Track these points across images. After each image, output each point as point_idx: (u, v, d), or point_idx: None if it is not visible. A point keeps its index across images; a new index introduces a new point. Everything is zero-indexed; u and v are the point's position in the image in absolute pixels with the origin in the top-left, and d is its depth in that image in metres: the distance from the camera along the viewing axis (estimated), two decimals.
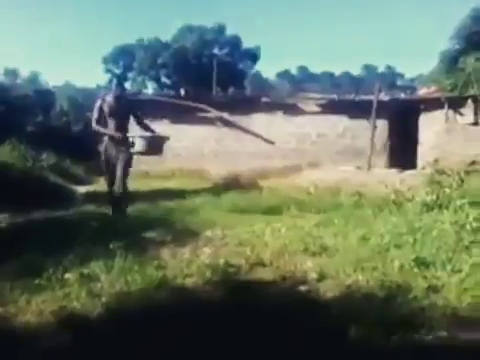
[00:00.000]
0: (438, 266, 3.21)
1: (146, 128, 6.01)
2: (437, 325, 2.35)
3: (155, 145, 5.75)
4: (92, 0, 75.62)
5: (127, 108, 5.95)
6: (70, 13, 78.08)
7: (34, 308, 2.70)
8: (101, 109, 5.74)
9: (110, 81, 40.46)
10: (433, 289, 2.82)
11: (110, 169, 5.85)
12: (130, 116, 5.95)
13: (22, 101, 22.45)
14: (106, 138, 5.82)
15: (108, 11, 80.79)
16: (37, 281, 3.10)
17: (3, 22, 73.25)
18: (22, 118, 20.91)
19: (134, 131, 6.14)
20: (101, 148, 5.89)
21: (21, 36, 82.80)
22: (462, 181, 4.95)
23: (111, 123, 5.74)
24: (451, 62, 16.71)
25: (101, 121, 5.74)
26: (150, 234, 4.71)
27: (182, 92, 15.84)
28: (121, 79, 7.40)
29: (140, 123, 6.06)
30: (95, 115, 5.76)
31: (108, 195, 5.99)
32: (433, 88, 14.92)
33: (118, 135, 5.69)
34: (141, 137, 5.69)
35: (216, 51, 38.74)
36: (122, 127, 5.80)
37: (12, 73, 35.17)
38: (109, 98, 5.81)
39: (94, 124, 5.75)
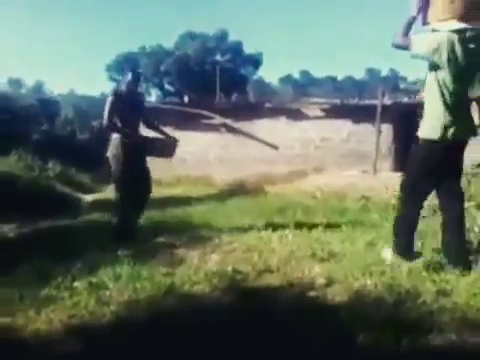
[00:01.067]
0: (447, 270, 3.20)
1: (158, 130, 5.49)
2: (446, 329, 2.34)
3: (166, 147, 5.35)
4: (95, 8, 76.33)
5: (141, 106, 5.40)
6: (72, 20, 78.71)
7: (43, 317, 2.71)
8: (114, 105, 4.98)
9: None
10: (442, 293, 2.81)
11: (129, 175, 4.97)
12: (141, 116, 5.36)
13: (27, 111, 22.64)
14: (117, 139, 5.04)
15: (111, 18, 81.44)
16: (46, 290, 3.12)
17: (5, 30, 73.91)
18: (27, 127, 21.06)
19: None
20: (114, 151, 5.07)
21: (23, 44, 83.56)
22: (468, 184, 4.93)
23: (125, 121, 5.05)
24: None
25: (113, 119, 5.01)
26: (157, 241, 4.72)
27: (186, 99, 15.91)
28: (137, 72, 6.51)
29: (150, 125, 5.51)
30: (107, 111, 4.95)
31: (123, 208, 4.94)
32: None
33: (137, 136, 5.13)
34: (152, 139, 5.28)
35: (218, 57, 38.93)
36: (137, 126, 5.26)
37: (16, 83, 35.48)
38: (125, 92, 5.13)
39: (107, 121, 4.97)
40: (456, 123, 3.25)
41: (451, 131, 3.25)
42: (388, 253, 3.56)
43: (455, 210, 3.37)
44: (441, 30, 3.25)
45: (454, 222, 3.35)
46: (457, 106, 3.28)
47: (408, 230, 3.50)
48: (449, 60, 3.17)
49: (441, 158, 3.36)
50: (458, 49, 3.17)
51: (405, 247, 3.47)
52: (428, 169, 3.39)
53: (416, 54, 3.31)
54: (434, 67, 3.26)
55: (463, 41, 3.18)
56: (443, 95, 3.25)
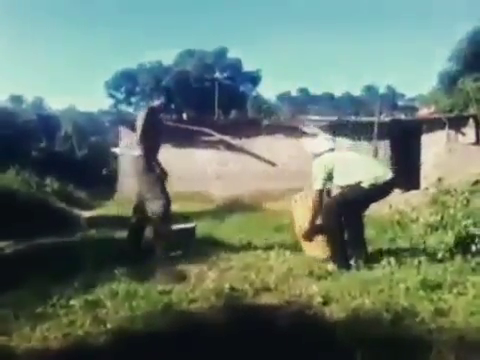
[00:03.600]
0: (444, 289, 3.19)
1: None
2: (444, 348, 2.32)
3: (188, 236, 5.24)
4: (95, 24, 77.22)
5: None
6: (72, 36, 79.49)
7: (39, 335, 2.68)
8: (151, 124, 4.49)
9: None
10: (440, 312, 2.80)
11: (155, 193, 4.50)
12: None
13: (27, 126, 22.69)
14: (141, 151, 4.47)
15: (111, 34, 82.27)
16: (42, 308, 3.09)
17: (6, 46, 74.54)
18: (27, 143, 21.08)
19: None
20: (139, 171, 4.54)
21: (24, 60, 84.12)
22: (467, 201, 4.93)
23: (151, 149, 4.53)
24: (450, 83, 16.93)
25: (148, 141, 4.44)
26: (154, 258, 4.68)
27: (184, 116, 15.97)
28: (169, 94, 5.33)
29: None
30: (142, 131, 4.40)
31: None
32: (433, 108, 15.05)
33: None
34: None
35: (217, 75, 39.21)
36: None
37: (17, 99, 35.59)
38: (159, 107, 4.71)
39: (141, 141, 4.41)
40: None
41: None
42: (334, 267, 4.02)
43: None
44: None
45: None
46: None
47: (344, 247, 4.17)
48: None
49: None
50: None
51: (345, 260, 4.04)
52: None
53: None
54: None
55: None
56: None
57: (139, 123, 4.48)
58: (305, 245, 4.59)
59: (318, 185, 4.31)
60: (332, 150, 4.53)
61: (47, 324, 2.82)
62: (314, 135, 4.54)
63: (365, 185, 4.12)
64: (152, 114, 4.58)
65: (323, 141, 4.70)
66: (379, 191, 4.24)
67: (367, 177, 4.15)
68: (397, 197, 9.31)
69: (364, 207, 4.45)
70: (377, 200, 4.33)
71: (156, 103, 4.79)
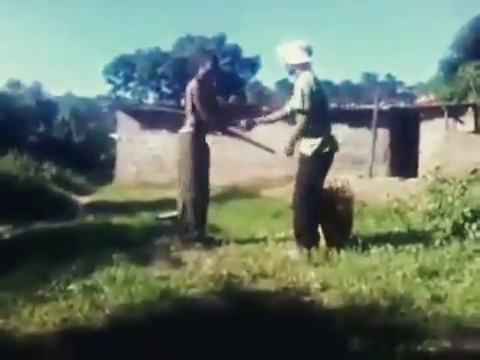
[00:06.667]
0: (441, 276, 3.21)
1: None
2: (441, 336, 2.34)
3: None
4: (93, 9, 76.42)
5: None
6: (71, 22, 78.80)
7: (37, 319, 2.69)
8: (202, 95, 4.58)
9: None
10: (436, 299, 2.81)
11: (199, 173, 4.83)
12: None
13: (25, 112, 22.58)
14: (190, 128, 4.79)
15: (109, 20, 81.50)
16: (40, 292, 3.10)
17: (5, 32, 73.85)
18: (25, 128, 21.00)
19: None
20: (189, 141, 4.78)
21: (22, 46, 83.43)
22: (464, 189, 4.94)
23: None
24: (450, 71, 16.85)
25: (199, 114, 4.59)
26: (152, 244, 4.70)
27: (183, 102, 15.88)
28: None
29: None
30: (200, 103, 4.58)
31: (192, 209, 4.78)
32: (432, 96, 15.00)
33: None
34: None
35: None
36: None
37: (16, 85, 35.19)
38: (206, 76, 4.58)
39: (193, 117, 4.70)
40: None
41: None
42: (295, 253, 3.98)
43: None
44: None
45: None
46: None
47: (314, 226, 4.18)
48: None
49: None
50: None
51: (313, 241, 4.03)
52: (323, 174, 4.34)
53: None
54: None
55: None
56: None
57: (189, 95, 4.60)
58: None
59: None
60: (307, 66, 4.17)
61: (45, 308, 2.83)
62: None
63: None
64: (202, 84, 4.55)
65: (297, 50, 4.16)
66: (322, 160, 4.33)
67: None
68: (395, 185, 9.32)
69: (310, 185, 4.32)
70: (322, 172, 4.38)
71: (201, 72, 4.62)
